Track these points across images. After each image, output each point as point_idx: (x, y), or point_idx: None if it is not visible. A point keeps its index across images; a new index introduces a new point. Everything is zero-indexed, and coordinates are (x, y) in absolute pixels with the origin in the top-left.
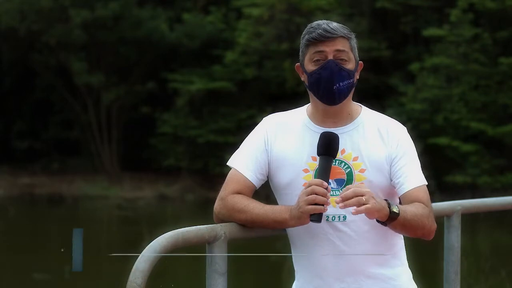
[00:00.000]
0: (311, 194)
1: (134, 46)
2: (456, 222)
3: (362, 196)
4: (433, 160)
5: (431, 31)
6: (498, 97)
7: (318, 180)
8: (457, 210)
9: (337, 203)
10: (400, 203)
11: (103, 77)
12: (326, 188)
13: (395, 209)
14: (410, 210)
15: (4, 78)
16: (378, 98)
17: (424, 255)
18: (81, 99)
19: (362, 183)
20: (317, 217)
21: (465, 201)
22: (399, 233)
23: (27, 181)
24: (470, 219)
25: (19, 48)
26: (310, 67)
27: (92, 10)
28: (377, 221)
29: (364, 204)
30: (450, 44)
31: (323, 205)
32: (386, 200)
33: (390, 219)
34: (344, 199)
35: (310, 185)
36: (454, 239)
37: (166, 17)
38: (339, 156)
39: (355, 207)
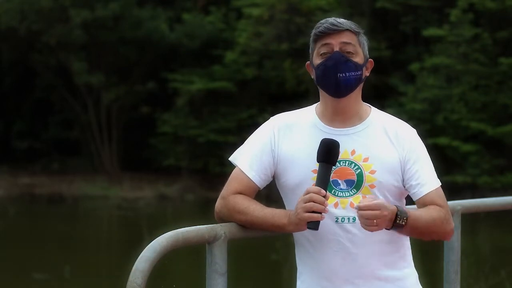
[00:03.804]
0: (309, 202)
1: (134, 46)
2: (456, 222)
3: (378, 218)
4: (433, 160)
5: (431, 31)
6: (498, 97)
7: (316, 188)
8: (457, 210)
9: (355, 208)
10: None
11: (103, 77)
12: (325, 196)
13: (400, 222)
14: (423, 217)
15: (4, 78)
16: (378, 98)
17: (424, 255)
18: (81, 99)
19: (372, 184)
20: (314, 225)
21: (465, 201)
22: (411, 236)
23: (27, 181)
24: (470, 219)
25: (19, 48)
26: (317, 60)
27: (92, 10)
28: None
29: (375, 225)
30: (450, 44)
31: (320, 213)
32: (397, 209)
33: (395, 227)
34: (365, 217)
35: (308, 193)
36: (454, 239)
37: (166, 17)
38: (349, 157)
39: (365, 221)
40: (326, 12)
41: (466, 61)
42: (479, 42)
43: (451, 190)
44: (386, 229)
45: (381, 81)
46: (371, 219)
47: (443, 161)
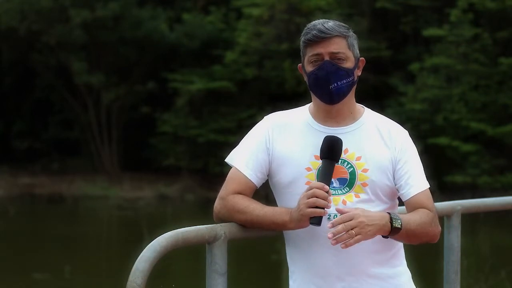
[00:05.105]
0: (312, 197)
1: (134, 46)
2: (456, 222)
3: (352, 229)
4: (433, 160)
5: (431, 31)
6: (498, 97)
7: (319, 183)
8: (457, 210)
9: (329, 238)
10: (400, 204)
11: (103, 77)
12: (327, 192)
13: (397, 225)
14: (414, 220)
15: (4, 78)
16: (378, 98)
17: (424, 255)
18: (81, 99)
19: (365, 182)
20: (317, 220)
21: (465, 201)
22: (402, 242)
23: (27, 181)
24: (470, 219)
25: (19, 48)
26: (309, 68)
27: (92, 10)
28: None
29: (356, 236)
30: (450, 44)
31: (323, 208)
32: (389, 213)
33: (392, 233)
34: (335, 234)
35: (311, 188)
36: (454, 239)
37: (166, 17)
38: (342, 155)
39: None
40: (326, 12)
41: (466, 61)
42: (479, 42)
43: (451, 190)
44: (384, 236)
45: (381, 81)
46: (346, 231)
47: (443, 161)
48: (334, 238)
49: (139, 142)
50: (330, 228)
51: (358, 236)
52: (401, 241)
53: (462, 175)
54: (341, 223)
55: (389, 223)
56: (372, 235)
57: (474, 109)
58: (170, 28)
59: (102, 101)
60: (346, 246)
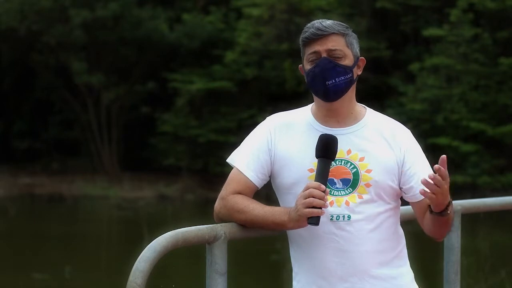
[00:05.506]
0: (308, 197)
1: (134, 46)
2: (456, 222)
3: (438, 187)
4: (433, 160)
5: (431, 31)
6: (498, 97)
7: (316, 183)
8: (457, 210)
9: (435, 171)
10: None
11: (103, 77)
12: (324, 191)
13: (448, 211)
14: (451, 213)
15: (4, 78)
16: (378, 98)
17: (424, 255)
18: (81, 99)
19: (368, 183)
20: (314, 220)
21: (465, 201)
22: (432, 224)
23: (27, 181)
24: (470, 219)
25: (19, 48)
26: (307, 66)
27: (92, 10)
28: (430, 211)
29: (431, 194)
30: (450, 44)
31: (321, 208)
32: (451, 200)
33: (435, 213)
34: (436, 179)
35: (307, 188)
36: (454, 239)
37: (166, 17)
38: (345, 156)
39: (424, 189)
40: (326, 12)
41: (466, 61)
42: (479, 42)
43: (451, 190)
44: (431, 212)
45: (381, 81)
46: (436, 186)
47: None
48: (432, 180)
49: (139, 142)
50: (437, 169)
51: (430, 194)
52: (432, 223)
53: (462, 175)
54: (440, 177)
55: (446, 206)
56: (431, 200)
57: (474, 109)
58: (170, 28)
59: (102, 101)
60: (423, 193)
